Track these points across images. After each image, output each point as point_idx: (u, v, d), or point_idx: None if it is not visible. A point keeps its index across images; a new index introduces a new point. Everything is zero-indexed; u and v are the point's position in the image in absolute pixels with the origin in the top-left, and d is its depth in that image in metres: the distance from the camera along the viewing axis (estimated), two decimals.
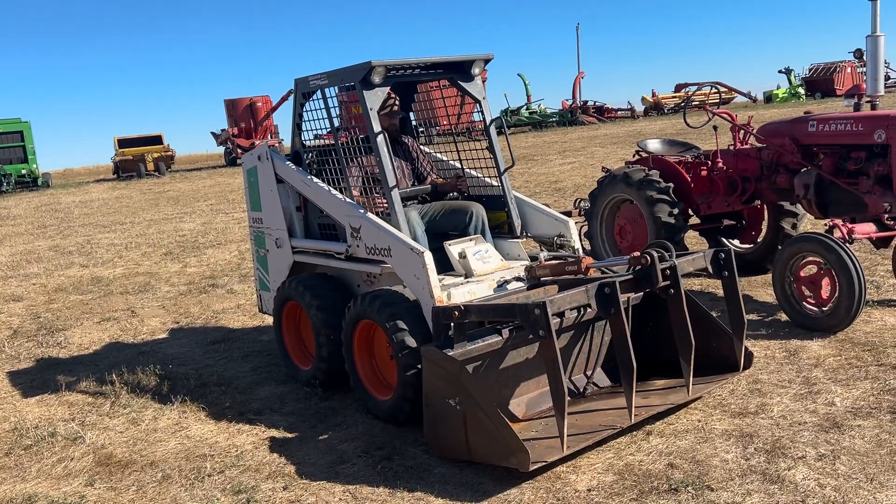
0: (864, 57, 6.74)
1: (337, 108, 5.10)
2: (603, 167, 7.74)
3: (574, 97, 45.93)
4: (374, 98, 4.61)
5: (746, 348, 4.37)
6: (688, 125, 7.43)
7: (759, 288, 6.40)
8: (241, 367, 5.87)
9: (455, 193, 5.29)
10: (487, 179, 5.22)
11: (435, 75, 4.92)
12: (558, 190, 14.69)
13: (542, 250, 4.91)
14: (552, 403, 3.61)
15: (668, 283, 4.06)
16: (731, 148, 7.17)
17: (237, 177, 28.19)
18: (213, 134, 38.57)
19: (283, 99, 36.10)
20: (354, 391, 4.74)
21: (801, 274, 5.55)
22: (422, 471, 3.90)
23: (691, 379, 4.12)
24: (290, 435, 4.52)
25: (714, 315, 4.55)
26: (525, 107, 45.05)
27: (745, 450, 3.80)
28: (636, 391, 3.85)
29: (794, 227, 7.16)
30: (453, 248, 4.63)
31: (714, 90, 9.88)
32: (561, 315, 3.76)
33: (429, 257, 4.24)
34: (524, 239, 5.05)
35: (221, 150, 39.39)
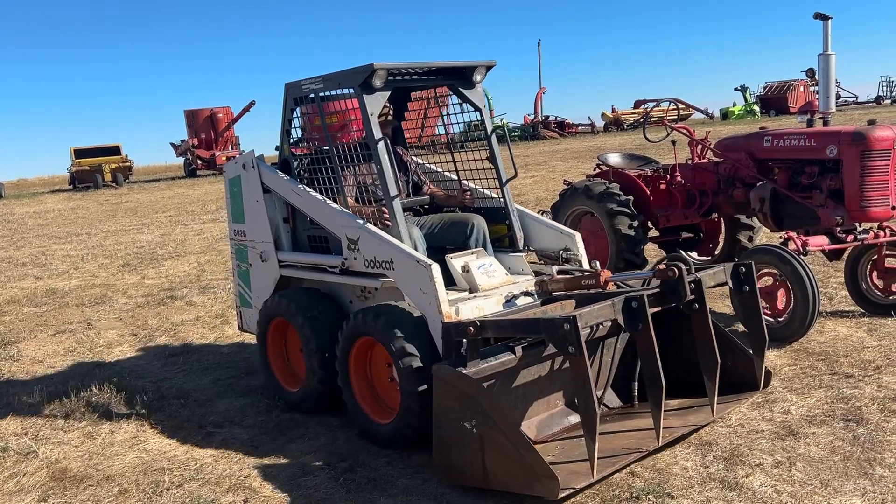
0: (816, 75, 6.94)
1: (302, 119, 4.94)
2: (565, 180, 7.83)
3: (536, 112, 46.37)
4: (375, 103, 4.38)
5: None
6: (647, 140, 7.56)
7: (717, 299, 6.51)
8: (201, 380, 5.79)
9: (452, 207, 5.07)
10: (486, 191, 5.04)
11: (435, 81, 4.73)
12: (521, 203, 14.78)
13: (545, 264, 4.74)
14: (581, 425, 3.36)
15: (692, 297, 3.88)
16: (689, 162, 7.31)
17: (197, 188, 27.88)
18: (172, 145, 38.13)
19: (245, 110, 35.87)
20: (350, 414, 4.46)
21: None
22: (385, 482, 3.87)
23: (716, 399, 3.94)
24: (250, 447, 4.46)
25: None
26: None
27: (705, 457, 3.85)
28: (650, 411, 3.69)
29: (751, 239, 7.32)
30: (456, 262, 4.41)
31: (672, 106, 10.08)
32: (588, 330, 3.55)
33: (436, 270, 4.00)
34: (526, 253, 4.84)
35: (181, 161, 38.90)
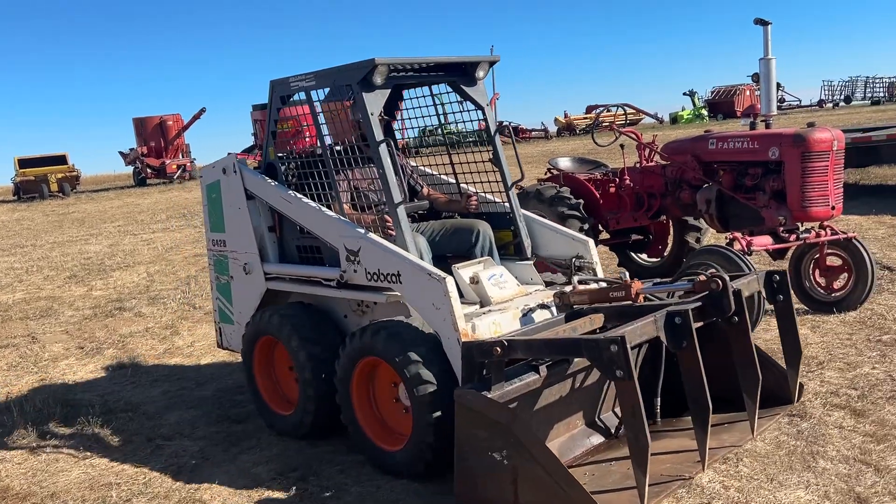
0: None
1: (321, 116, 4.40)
2: (515, 184, 7.89)
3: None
4: (375, 101, 4.05)
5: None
6: (596, 144, 7.66)
7: None
8: (150, 392, 5.68)
9: (453, 212, 4.81)
10: (488, 195, 4.76)
11: (435, 78, 4.43)
12: None
13: (554, 272, 4.48)
14: (631, 456, 3.03)
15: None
16: (638, 166, 7.43)
17: (146, 197, 27.39)
18: (121, 153, 37.35)
19: (195, 117, 35.37)
20: (353, 440, 4.10)
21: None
22: (338, 490, 3.84)
23: (756, 417, 3.70)
24: (201, 459, 4.38)
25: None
26: (442, 127, 45.39)
27: None
28: (679, 430, 3.53)
29: (698, 240, 7.46)
30: (463, 272, 4.08)
31: (622, 111, 10.23)
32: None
33: (451, 284, 3.65)
34: (533, 261, 4.53)
35: (130, 170, 38.15)
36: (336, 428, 4.25)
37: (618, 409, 3.93)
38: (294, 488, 3.90)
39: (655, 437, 3.67)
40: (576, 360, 3.38)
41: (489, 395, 3.09)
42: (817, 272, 6.22)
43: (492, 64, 4.46)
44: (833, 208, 6.10)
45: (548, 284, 4.35)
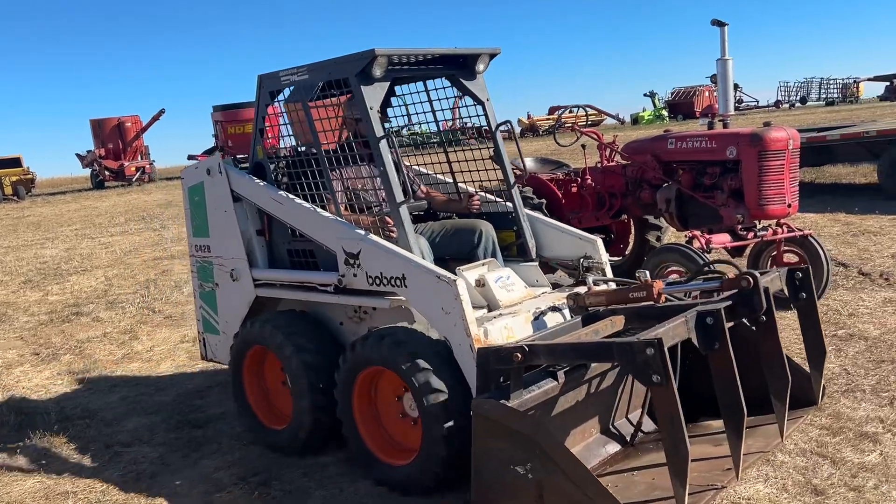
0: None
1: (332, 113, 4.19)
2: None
3: (454, 119, 46.65)
4: (375, 94, 3.84)
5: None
6: (559, 144, 7.70)
7: None
8: (108, 398, 5.57)
9: (451, 212, 4.63)
10: (489, 195, 4.58)
11: (434, 71, 4.23)
12: None
13: (555, 272, 4.31)
14: (669, 466, 2.85)
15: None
16: (599, 165, 7.49)
17: (105, 200, 26.90)
18: (78, 156, 36.63)
19: (154, 119, 34.85)
20: (354, 455, 3.88)
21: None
22: (301, 494, 3.81)
23: (786, 421, 3.55)
24: (160, 466, 4.31)
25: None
26: (406, 127, 45.40)
27: None
28: (698, 436, 3.42)
29: (659, 239, 7.54)
30: (468, 275, 3.87)
31: (584, 112, 10.31)
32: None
33: (462, 287, 3.45)
34: (538, 262, 4.35)
35: (87, 172, 37.46)
36: (332, 443, 4.08)
37: (631, 416, 3.82)
38: (256, 493, 3.85)
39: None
40: (592, 364, 3.20)
41: (510, 405, 2.89)
42: (774, 269, 6.32)
43: (492, 56, 4.27)
44: (789, 206, 6.22)
45: (554, 286, 4.20)
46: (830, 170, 14.50)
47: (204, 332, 4.92)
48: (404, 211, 3.85)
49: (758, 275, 3.39)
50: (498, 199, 4.51)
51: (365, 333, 3.77)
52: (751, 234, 6.22)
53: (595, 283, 3.89)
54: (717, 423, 3.62)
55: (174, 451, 4.50)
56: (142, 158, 35.62)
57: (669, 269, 5.76)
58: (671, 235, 7.87)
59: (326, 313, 4.29)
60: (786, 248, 6.26)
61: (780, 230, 6.21)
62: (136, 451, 4.54)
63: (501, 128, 4.33)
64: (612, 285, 3.90)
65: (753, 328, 3.47)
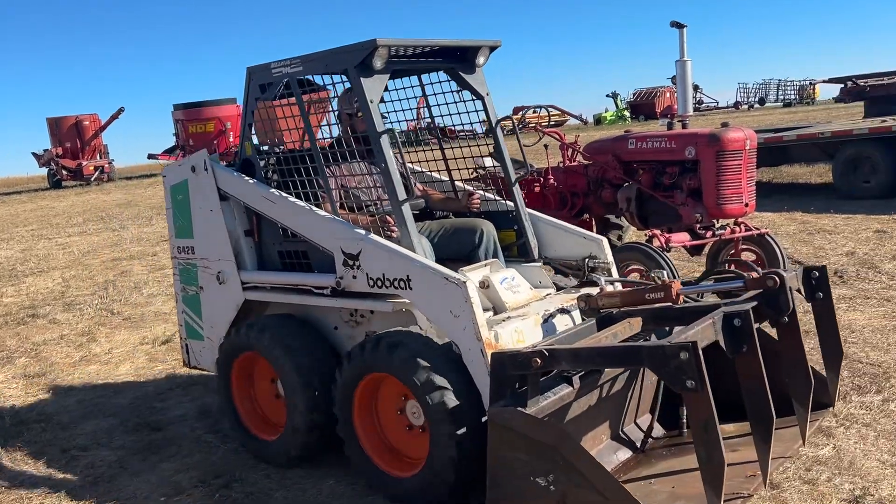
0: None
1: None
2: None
3: (418, 119, 46.67)
4: (375, 87, 3.68)
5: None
6: (520, 144, 7.73)
7: None
8: (65, 402, 5.46)
9: (448, 211, 4.49)
10: (488, 194, 4.46)
11: (433, 64, 4.08)
12: None
13: (557, 273, 4.21)
14: (703, 477, 2.70)
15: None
16: (561, 165, 7.55)
17: (62, 200, 26.38)
18: (34, 154, 35.85)
19: (113, 117, 34.25)
20: (355, 466, 3.70)
21: None
22: (262, 496, 3.78)
23: (808, 425, 3.43)
24: (119, 470, 4.24)
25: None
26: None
27: None
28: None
29: (620, 238, 7.63)
30: (472, 276, 3.65)
31: (547, 112, 10.38)
32: None
33: (473, 289, 3.31)
34: (541, 263, 4.22)
35: (44, 171, 36.69)
36: (328, 453, 3.94)
37: (640, 421, 3.71)
38: (217, 495, 3.81)
39: (690, 451, 3.37)
40: (605, 368, 3.09)
41: (530, 413, 2.74)
42: (733, 267, 6.43)
43: (492, 49, 4.11)
44: (747, 205, 6.34)
45: (559, 288, 4.07)
46: (787, 170, 14.79)
47: (187, 338, 4.68)
48: (407, 209, 3.68)
49: (785, 275, 3.30)
50: (497, 198, 4.38)
51: (364, 339, 3.62)
52: (709, 233, 6.33)
53: (610, 284, 3.79)
54: (730, 427, 3.57)
55: (133, 454, 4.44)
56: (100, 157, 34.97)
57: (630, 268, 5.82)
58: (632, 234, 7.96)
59: (320, 317, 4.09)
60: (743, 246, 6.38)
61: (737, 229, 6.32)
62: (94, 455, 4.47)
63: (507, 123, 4.23)
64: (619, 286, 3.80)
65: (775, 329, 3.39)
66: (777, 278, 3.29)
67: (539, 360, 2.82)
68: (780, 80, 53.91)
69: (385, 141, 3.67)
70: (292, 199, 3.93)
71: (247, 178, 4.14)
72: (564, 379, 2.97)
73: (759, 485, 3.10)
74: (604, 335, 3.20)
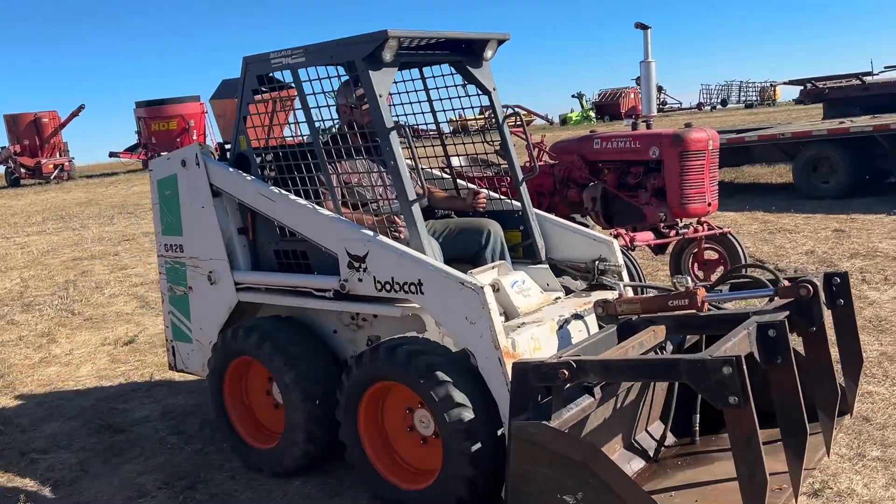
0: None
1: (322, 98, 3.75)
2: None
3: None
4: (384, 81, 3.49)
5: None
6: (487, 143, 7.75)
7: None
8: (24, 404, 5.35)
9: (450, 210, 4.32)
10: (493, 193, 4.31)
11: (440, 57, 3.90)
12: None
13: (566, 277, 4.06)
14: (745, 493, 2.54)
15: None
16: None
17: (20, 198, 25.82)
18: None
19: (73, 114, 33.63)
20: (360, 477, 3.56)
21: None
22: (228, 497, 3.74)
23: (833, 435, 3.30)
24: (80, 473, 4.17)
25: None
26: (333, 125, 45.07)
27: None
28: (723, 449, 3.20)
29: None
30: (482, 279, 3.47)
31: (514, 112, 10.43)
32: None
33: (490, 294, 3.15)
34: (548, 264, 4.07)
35: (2, 169, 35.89)
36: (327, 461, 3.83)
37: (651, 429, 3.58)
38: (181, 497, 3.77)
39: (706, 461, 3.39)
40: (637, 382, 2.97)
41: (555, 427, 2.61)
42: (696, 265, 6.55)
43: (500, 42, 3.95)
44: (709, 205, 6.43)
45: (567, 291, 3.93)
46: (748, 170, 15.03)
47: (173, 341, 4.49)
48: (417, 209, 3.51)
49: (817, 283, 3.18)
50: (503, 197, 4.24)
51: (372, 344, 3.47)
52: (673, 232, 6.41)
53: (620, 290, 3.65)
54: None
55: (94, 456, 4.36)
56: (60, 155, 34.28)
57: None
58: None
59: (318, 320, 3.93)
60: (706, 245, 6.48)
61: (700, 228, 6.41)
62: (54, 458, 4.39)
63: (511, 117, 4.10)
64: (629, 290, 3.71)
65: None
66: (810, 287, 3.16)
67: (566, 372, 2.68)
68: (741, 81, 54.83)
69: (394, 137, 3.50)
70: (293, 196, 3.75)
71: (243, 174, 3.95)
72: (585, 389, 2.84)
73: (788, 497, 2.93)
74: (630, 345, 3.04)
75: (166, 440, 4.48)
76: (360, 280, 3.51)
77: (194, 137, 30.47)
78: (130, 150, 33.63)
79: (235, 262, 4.06)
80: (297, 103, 3.73)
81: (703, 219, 6.48)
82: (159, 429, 4.65)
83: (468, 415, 3.08)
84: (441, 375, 3.11)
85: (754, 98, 53.71)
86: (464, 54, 3.92)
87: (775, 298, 3.28)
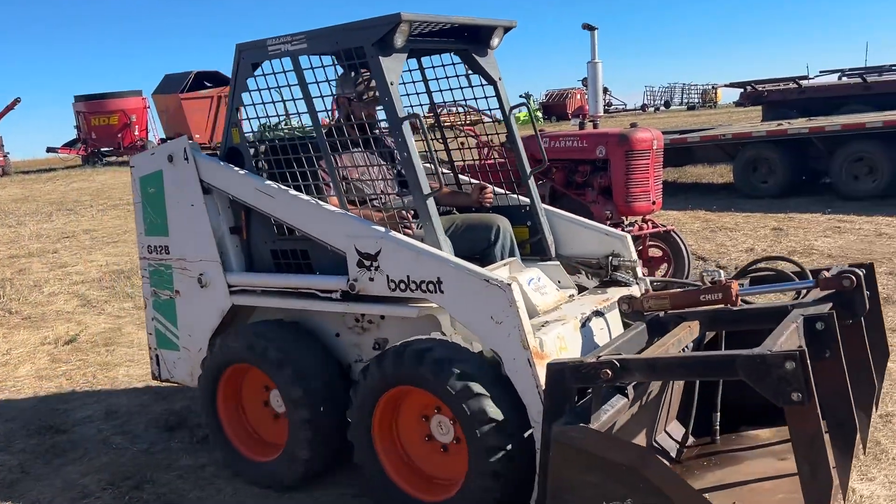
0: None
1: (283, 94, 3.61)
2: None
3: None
4: (394, 67, 3.30)
5: None
6: (437, 142, 7.79)
7: None
8: None
9: (452, 206, 4.17)
10: (497, 188, 4.16)
11: (447, 44, 3.72)
12: None
13: (579, 275, 3.94)
14: (807, 494, 2.43)
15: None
16: (478, 163, 7.63)
17: None
18: None
19: (8, 108, 32.52)
20: (372, 489, 3.36)
21: None
22: (175, 497, 3.69)
23: (869, 432, 3.19)
24: (20, 474, 4.06)
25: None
26: (285, 122, 44.57)
27: None
28: (749, 448, 3.17)
29: None
30: (497, 276, 3.29)
31: (464, 111, 10.47)
32: None
33: (518, 292, 2.99)
34: (557, 261, 3.94)
35: None
36: (333, 473, 3.68)
37: (670, 428, 3.47)
38: (127, 497, 3.71)
39: (732, 461, 3.28)
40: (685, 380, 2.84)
41: (602, 430, 2.49)
42: (640, 262, 6.67)
43: (507, 30, 3.81)
44: (654, 203, 6.57)
45: (580, 289, 3.82)
46: (691, 170, 15.38)
47: (157, 348, 4.21)
48: (432, 204, 3.33)
49: (861, 274, 3.07)
50: (502, 191, 4.10)
51: (392, 347, 3.23)
52: (619, 230, 6.52)
53: (657, 286, 3.54)
54: (766, 434, 3.41)
55: (35, 457, 4.25)
56: None
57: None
58: None
59: (319, 323, 3.73)
60: (651, 243, 6.61)
61: (645, 226, 6.55)
62: None
63: (514, 111, 4.00)
64: (643, 286, 3.65)
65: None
66: (854, 278, 3.05)
67: (609, 372, 2.53)
68: (684, 84, 56.03)
69: (407, 128, 3.32)
70: (294, 192, 3.54)
71: (237, 169, 3.73)
72: (618, 389, 2.71)
73: (836, 493, 2.77)
74: (669, 342, 2.90)
75: (110, 440, 4.39)
76: (371, 279, 3.33)
77: (136, 133, 29.80)
78: (69, 145, 32.64)
79: (228, 263, 3.84)
80: (295, 93, 3.54)
81: (647, 217, 6.62)
82: (103, 429, 4.56)
83: (496, 420, 2.92)
84: (479, 392, 2.94)
85: (696, 100, 54.93)
86: (470, 42, 3.76)
87: (799, 291, 3.25)
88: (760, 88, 16.45)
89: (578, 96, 48.00)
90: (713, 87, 54.07)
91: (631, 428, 3.08)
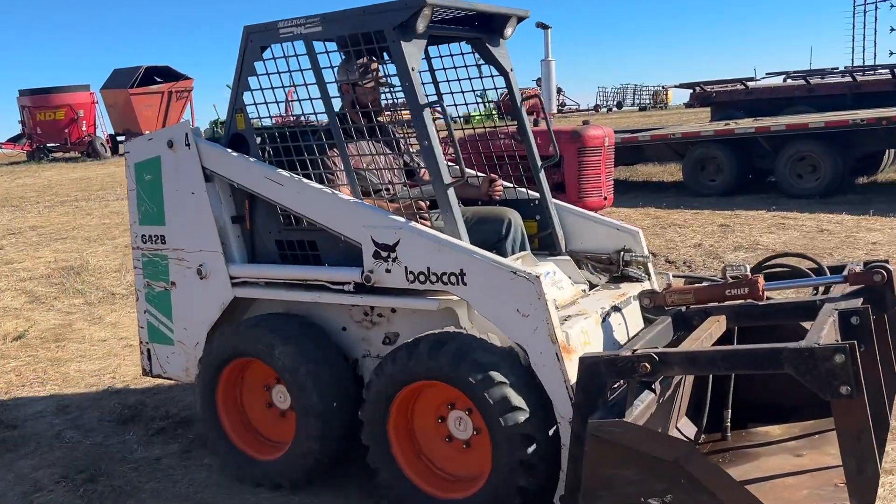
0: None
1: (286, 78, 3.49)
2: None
3: (287, 112, 45.78)
4: (415, 53, 3.20)
5: None
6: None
7: None
8: None
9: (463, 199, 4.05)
10: (505, 182, 4.06)
11: (462, 32, 3.62)
12: None
13: (590, 270, 3.85)
14: (853, 489, 2.37)
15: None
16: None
17: None
18: None
19: None
20: (394, 493, 3.20)
21: None
22: (131, 489, 3.67)
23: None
24: None
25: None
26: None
27: None
28: (764, 445, 3.14)
29: None
30: (525, 268, 3.25)
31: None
32: None
33: (546, 285, 2.93)
34: (568, 256, 3.84)
35: None
36: (339, 472, 3.57)
37: (681, 424, 3.39)
38: (81, 490, 3.67)
39: (748, 457, 3.22)
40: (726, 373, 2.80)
41: (642, 425, 2.42)
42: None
43: (520, 20, 3.72)
44: (605, 199, 6.75)
45: (592, 284, 3.75)
46: (642, 169, 15.67)
47: (150, 342, 4.03)
48: (452, 194, 3.24)
49: (891, 269, 3.06)
50: (510, 185, 4.03)
51: (405, 342, 3.13)
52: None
53: (679, 280, 3.49)
54: (777, 430, 3.38)
55: None
56: None
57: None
58: None
59: (325, 316, 3.59)
60: None
61: None
62: None
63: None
64: (654, 281, 3.63)
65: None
66: (885, 273, 3.03)
67: (648, 366, 2.49)
68: (636, 85, 57.03)
69: (428, 115, 3.23)
70: (305, 181, 3.41)
71: (244, 156, 3.59)
72: (644, 385, 2.65)
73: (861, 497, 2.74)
74: (702, 336, 2.88)
75: (63, 434, 4.34)
76: (387, 271, 3.22)
77: (83, 128, 29.16)
78: (13, 140, 31.83)
79: (230, 253, 3.68)
80: (308, 78, 3.42)
81: (599, 212, 6.76)
82: (55, 423, 4.50)
83: (519, 408, 2.85)
84: (489, 371, 2.87)
85: (648, 101, 55.89)
86: (483, 31, 3.67)
87: (817, 287, 3.26)
88: (709, 89, 16.83)
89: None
90: (664, 88, 55.08)
91: (650, 424, 3.04)
